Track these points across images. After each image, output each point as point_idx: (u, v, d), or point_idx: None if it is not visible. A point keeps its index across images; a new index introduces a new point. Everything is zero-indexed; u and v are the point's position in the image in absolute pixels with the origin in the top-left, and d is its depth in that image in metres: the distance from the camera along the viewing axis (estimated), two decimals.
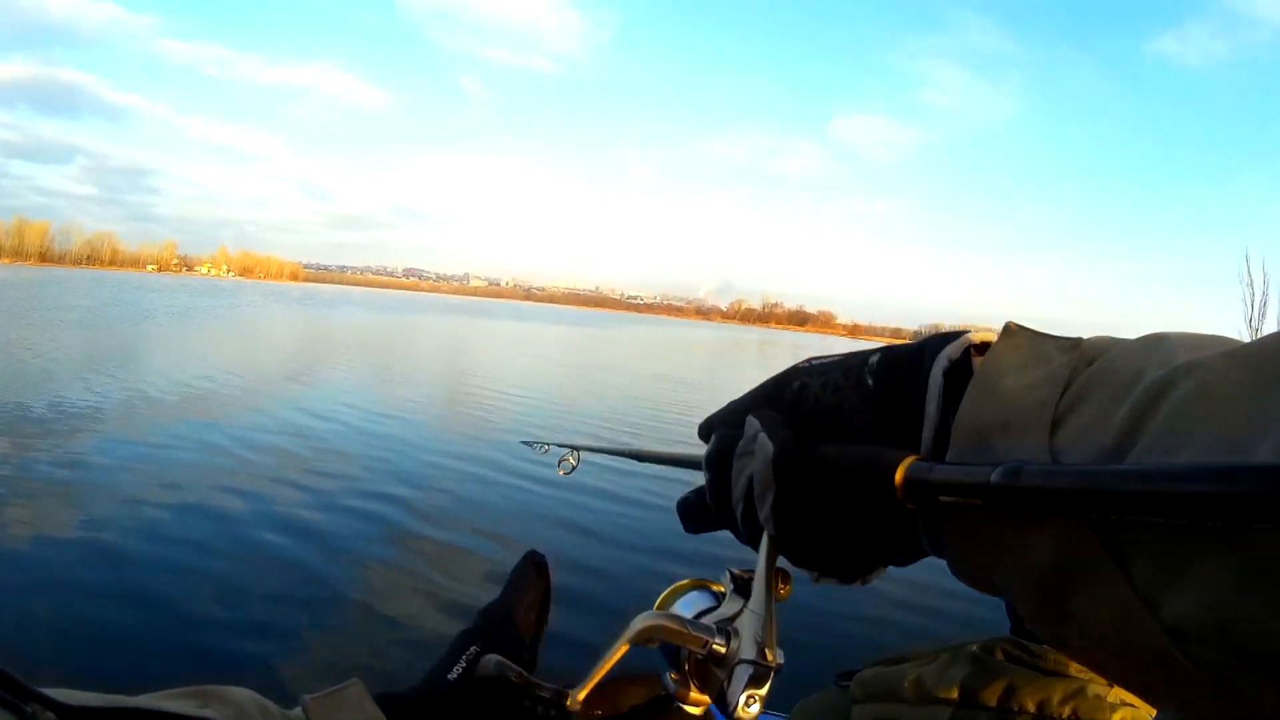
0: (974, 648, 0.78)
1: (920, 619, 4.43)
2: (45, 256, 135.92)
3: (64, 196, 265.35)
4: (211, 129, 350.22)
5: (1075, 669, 0.70)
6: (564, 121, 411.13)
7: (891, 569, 0.44)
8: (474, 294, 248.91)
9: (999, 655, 0.77)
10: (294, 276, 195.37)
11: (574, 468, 1.21)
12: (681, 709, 0.50)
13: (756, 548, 0.44)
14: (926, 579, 4.41)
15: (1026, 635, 0.76)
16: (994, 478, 0.29)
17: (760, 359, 39.00)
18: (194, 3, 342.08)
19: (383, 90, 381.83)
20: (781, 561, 0.44)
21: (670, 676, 0.51)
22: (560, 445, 1.25)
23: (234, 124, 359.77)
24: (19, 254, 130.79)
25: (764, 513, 0.42)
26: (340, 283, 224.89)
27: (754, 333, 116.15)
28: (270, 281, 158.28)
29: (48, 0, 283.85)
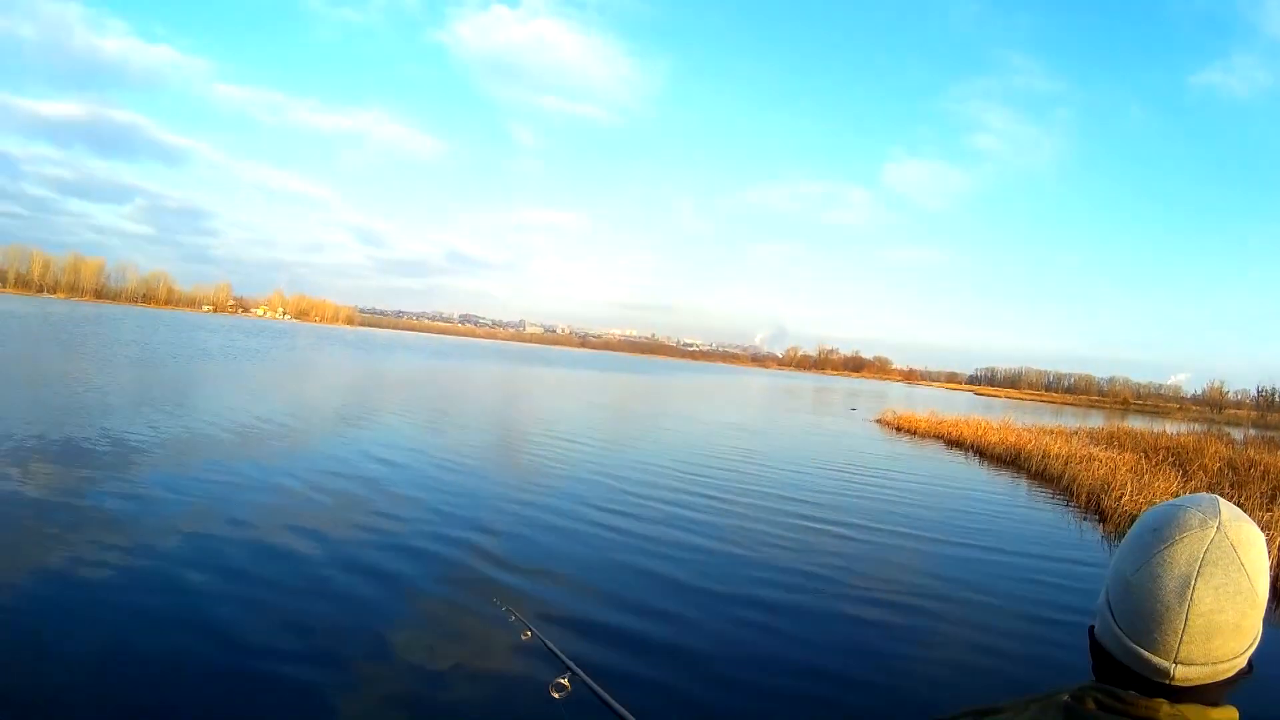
0: (1064, 697, 0.83)
1: (996, 661, 4.62)
2: (100, 293, 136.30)
3: (119, 235, 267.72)
4: (266, 173, 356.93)
5: (1165, 715, 0.75)
6: (616, 169, 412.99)
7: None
8: (530, 340, 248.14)
9: (1090, 705, 0.80)
10: (349, 320, 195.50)
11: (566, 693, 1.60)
12: None
13: None
14: (997, 622, 5.37)
15: (1112, 680, 0.82)
16: None
17: (815, 403, 38.26)
18: (247, 48, 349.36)
19: (435, 138, 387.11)
20: None
21: None
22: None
23: (288, 169, 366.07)
24: (74, 289, 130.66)
25: None
26: (395, 327, 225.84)
27: (809, 379, 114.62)
28: (325, 325, 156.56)
29: (101, 41, 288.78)
